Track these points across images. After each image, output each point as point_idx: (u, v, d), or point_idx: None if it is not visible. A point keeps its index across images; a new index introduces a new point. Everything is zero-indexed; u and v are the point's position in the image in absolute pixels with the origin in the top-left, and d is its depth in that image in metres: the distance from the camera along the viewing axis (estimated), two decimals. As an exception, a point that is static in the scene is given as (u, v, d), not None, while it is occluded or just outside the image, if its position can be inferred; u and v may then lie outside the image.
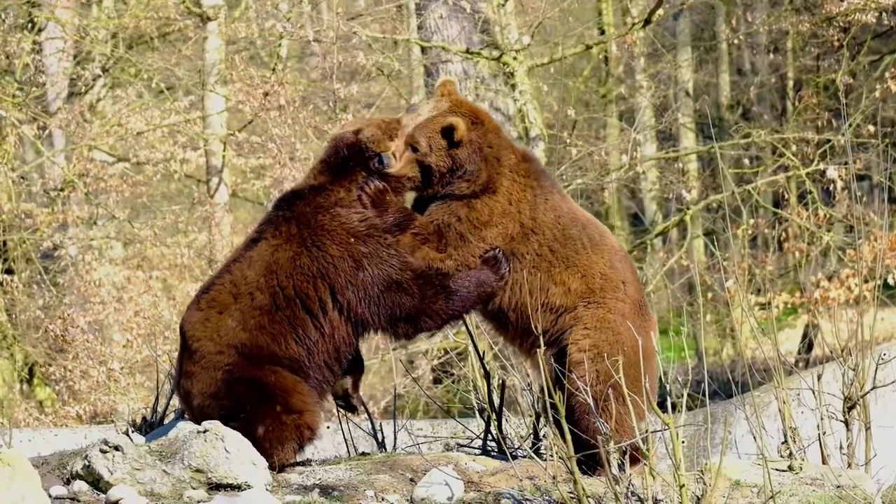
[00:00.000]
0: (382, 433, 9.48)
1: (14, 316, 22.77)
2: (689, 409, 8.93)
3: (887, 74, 22.58)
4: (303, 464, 7.99)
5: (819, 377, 8.38)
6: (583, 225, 7.93)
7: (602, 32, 27.46)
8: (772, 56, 29.64)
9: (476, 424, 9.79)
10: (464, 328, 8.68)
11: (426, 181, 7.83)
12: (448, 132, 7.74)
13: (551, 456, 7.55)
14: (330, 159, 7.89)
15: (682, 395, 7.02)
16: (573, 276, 7.82)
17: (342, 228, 7.67)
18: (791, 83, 29.40)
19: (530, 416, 9.02)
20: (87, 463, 7.30)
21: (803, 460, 7.97)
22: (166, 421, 8.95)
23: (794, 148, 22.08)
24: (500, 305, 7.87)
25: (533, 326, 7.66)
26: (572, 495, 7.01)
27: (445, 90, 7.99)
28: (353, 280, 7.62)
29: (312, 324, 7.65)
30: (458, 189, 7.79)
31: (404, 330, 7.83)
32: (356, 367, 8.06)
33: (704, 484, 7.02)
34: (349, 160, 7.81)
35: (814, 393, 8.38)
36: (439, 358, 21.19)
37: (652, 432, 6.99)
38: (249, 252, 7.78)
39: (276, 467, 7.51)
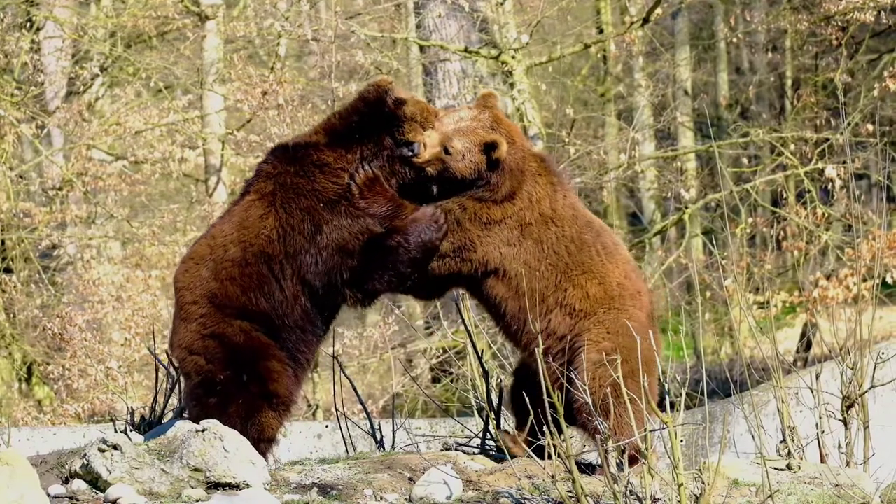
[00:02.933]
0: (381, 432, 9.49)
1: (13, 315, 22.76)
2: (688, 408, 8.94)
3: (886, 73, 22.57)
4: (301, 463, 7.99)
5: (818, 376, 8.38)
6: (597, 232, 8.02)
7: (600, 31, 27.44)
8: (770, 55, 29.63)
9: (475, 423, 9.80)
10: (462, 327, 8.69)
11: (440, 182, 7.85)
12: (489, 148, 7.80)
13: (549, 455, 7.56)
14: (345, 117, 7.82)
15: (681, 394, 7.02)
16: (591, 282, 7.88)
17: (313, 194, 7.68)
18: (790, 82, 29.38)
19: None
20: (85, 462, 7.30)
21: (802, 459, 7.97)
22: (165, 420, 8.96)
23: (792, 147, 22.08)
24: (510, 293, 7.88)
25: (531, 322, 7.69)
26: (571, 494, 7.01)
27: (488, 102, 8.01)
28: (307, 245, 7.63)
29: (276, 285, 7.67)
30: (477, 195, 7.84)
31: (353, 296, 7.81)
32: None
33: (703, 483, 7.03)
34: (365, 128, 7.74)
35: (812, 392, 8.38)
36: (438, 357, 21.19)
37: (651, 431, 7.00)
38: (234, 206, 7.86)
39: (255, 442, 7.52)
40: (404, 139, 7.74)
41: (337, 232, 7.63)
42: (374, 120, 7.75)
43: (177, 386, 9.17)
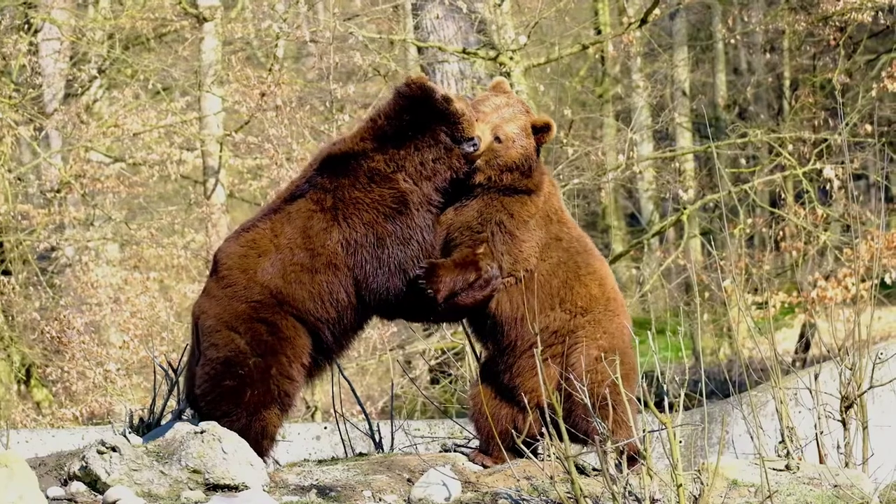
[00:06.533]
0: (380, 433, 9.49)
1: (11, 317, 22.75)
2: (687, 408, 8.94)
3: (883, 73, 22.56)
4: (300, 464, 7.99)
5: (816, 376, 8.39)
6: (590, 240, 8.08)
7: (598, 32, 27.48)
8: (768, 55, 29.65)
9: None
10: (461, 328, 8.68)
11: (487, 173, 7.86)
12: (538, 130, 7.87)
13: (548, 456, 7.56)
14: (394, 118, 7.79)
15: (680, 395, 7.02)
16: (594, 282, 7.91)
17: (373, 206, 7.71)
18: (787, 82, 29.40)
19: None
20: (84, 464, 7.30)
21: (801, 460, 7.98)
22: (163, 422, 8.95)
23: (790, 147, 22.07)
24: (513, 294, 7.88)
25: (529, 323, 7.69)
26: (569, 495, 7.01)
27: (505, 89, 8.05)
28: (371, 259, 7.67)
29: (344, 294, 7.69)
30: (517, 182, 7.85)
31: (395, 315, 7.96)
32: None
33: (702, 483, 7.03)
34: (417, 125, 7.73)
35: (811, 392, 8.39)
36: (437, 358, 21.17)
37: (650, 432, 7.00)
38: (289, 206, 7.83)
39: (258, 438, 7.54)
40: (464, 136, 7.75)
41: (399, 249, 7.68)
42: (424, 117, 7.73)
43: (175, 388, 9.17)
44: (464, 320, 8.23)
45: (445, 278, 7.67)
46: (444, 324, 8.24)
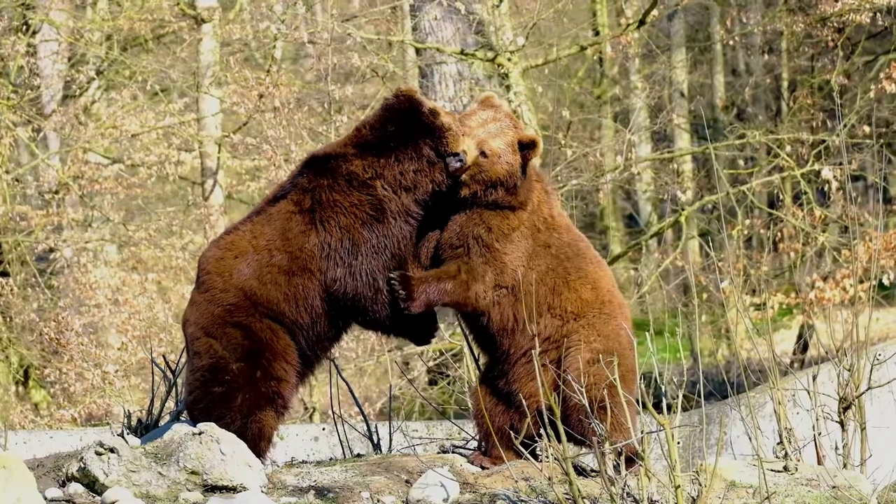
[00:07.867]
0: (378, 435, 9.48)
1: (10, 318, 22.74)
2: (685, 409, 8.94)
3: (882, 74, 22.56)
4: (298, 465, 7.99)
5: (814, 378, 8.39)
6: (586, 244, 8.03)
7: (596, 33, 27.49)
8: (766, 56, 29.67)
9: (472, 426, 9.79)
10: (459, 330, 8.69)
11: (469, 186, 7.84)
12: (524, 147, 7.80)
13: (547, 457, 7.56)
14: (377, 128, 7.77)
15: (678, 396, 7.03)
16: (585, 286, 7.87)
17: (351, 211, 7.69)
18: (786, 84, 29.41)
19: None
20: (82, 465, 7.30)
21: (799, 461, 7.98)
22: (161, 423, 8.95)
23: (788, 148, 22.08)
24: (504, 302, 7.87)
25: (528, 327, 7.68)
26: (568, 496, 7.01)
27: (494, 103, 8.01)
28: (343, 266, 7.65)
29: (318, 299, 7.68)
30: (501, 199, 7.81)
31: (361, 324, 7.93)
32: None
33: (700, 485, 7.03)
34: (400, 137, 7.71)
35: (809, 393, 8.39)
36: (435, 359, 21.17)
37: (648, 433, 7.00)
38: (271, 208, 7.84)
39: (255, 440, 7.53)
40: (449, 151, 7.70)
41: (372, 257, 7.66)
42: (409, 129, 7.70)
43: (173, 389, 9.18)
44: (462, 325, 8.23)
45: (419, 288, 7.67)
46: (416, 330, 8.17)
